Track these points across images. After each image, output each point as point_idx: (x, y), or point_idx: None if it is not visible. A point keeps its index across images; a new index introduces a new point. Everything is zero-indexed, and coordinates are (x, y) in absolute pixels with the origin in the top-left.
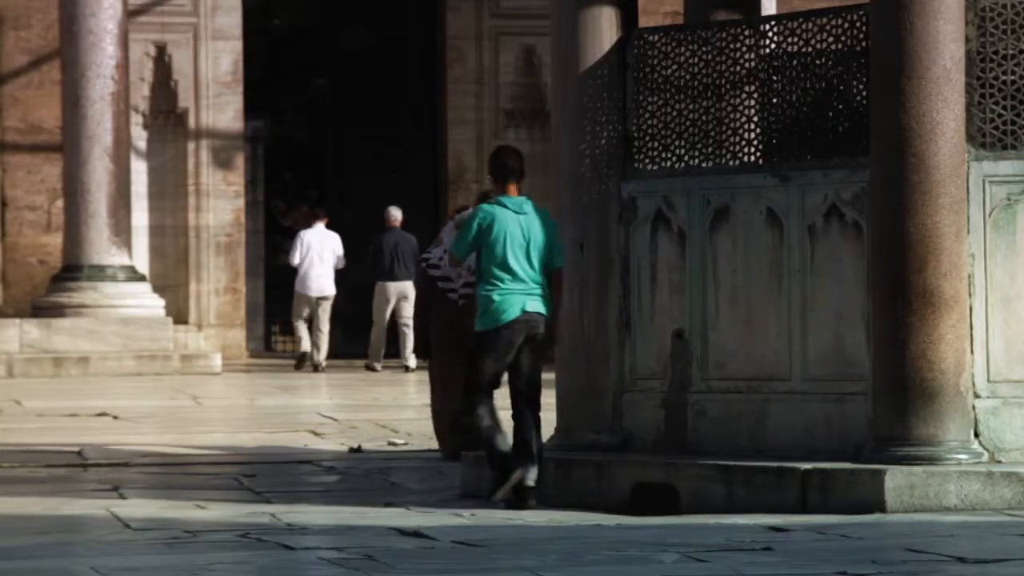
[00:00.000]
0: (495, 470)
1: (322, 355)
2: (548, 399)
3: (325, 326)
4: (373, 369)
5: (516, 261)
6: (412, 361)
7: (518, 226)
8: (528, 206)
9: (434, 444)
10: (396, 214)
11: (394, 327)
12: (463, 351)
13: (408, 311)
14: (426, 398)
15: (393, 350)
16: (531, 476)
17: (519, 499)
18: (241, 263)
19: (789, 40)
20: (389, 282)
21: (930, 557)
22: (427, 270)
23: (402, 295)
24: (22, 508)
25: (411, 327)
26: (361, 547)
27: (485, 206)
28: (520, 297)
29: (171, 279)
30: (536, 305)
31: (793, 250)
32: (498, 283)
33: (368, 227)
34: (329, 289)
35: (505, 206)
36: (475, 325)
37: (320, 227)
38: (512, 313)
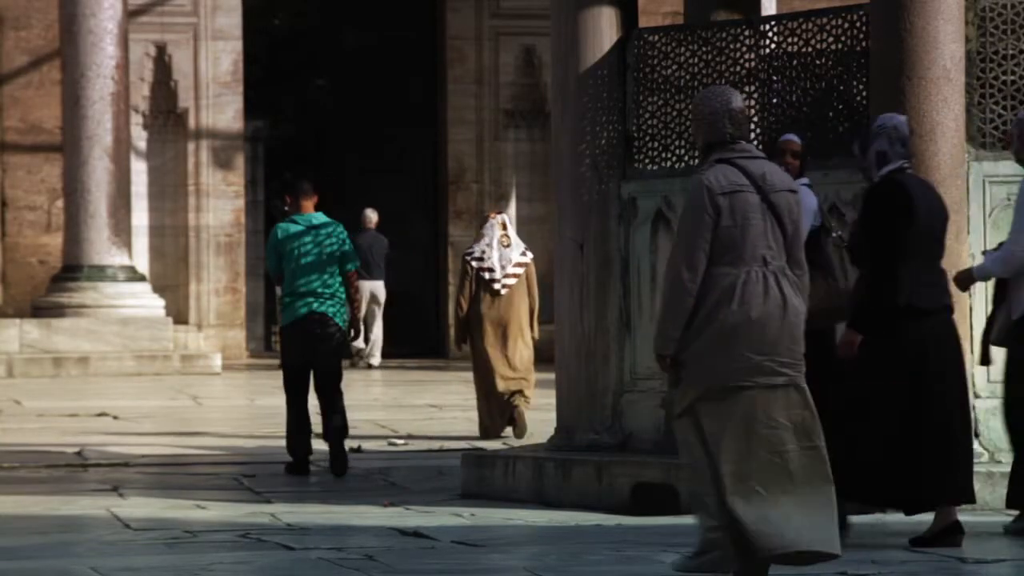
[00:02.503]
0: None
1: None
2: (548, 399)
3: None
4: (353, 365)
5: None
6: (377, 359)
7: None
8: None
9: (433, 444)
10: (372, 216)
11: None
12: (504, 336)
13: (377, 312)
14: (426, 399)
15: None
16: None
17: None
18: (241, 263)
19: (789, 40)
20: (364, 281)
21: (930, 557)
22: (471, 263)
23: (373, 294)
24: (22, 508)
25: (380, 328)
26: (361, 547)
27: None
28: None
29: (171, 279)
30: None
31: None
32: None
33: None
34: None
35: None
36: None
37: None
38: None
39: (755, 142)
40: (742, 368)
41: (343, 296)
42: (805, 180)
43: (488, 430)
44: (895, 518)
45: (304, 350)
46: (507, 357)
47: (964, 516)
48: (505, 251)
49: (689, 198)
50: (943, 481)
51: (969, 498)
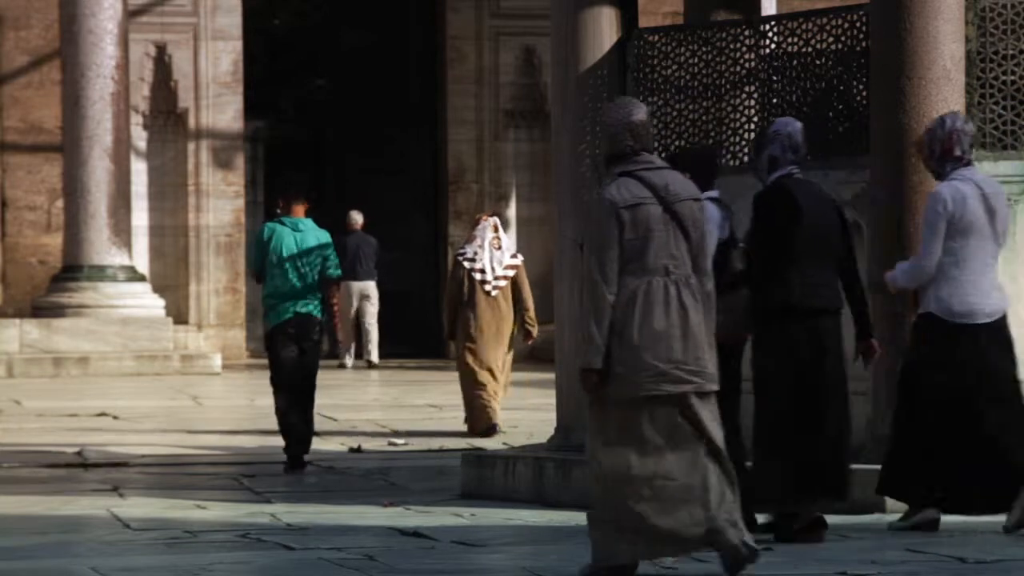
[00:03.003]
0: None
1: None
2: (548, 399)
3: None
4: (344, 366)
5: None
6: (375, 356)
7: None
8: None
9: (433, 444)
10: (357, 218)
11: (358, 325)
12: (497, 335)
13: (370, 309)
14: (426, 399)
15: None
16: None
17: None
18: (241, 263)
19: (789, 40)
20: (352, 281)
21: (930, 557)
22: (464, 263)
23: (364, 294)
24: (22, 508)
25: (375, 325)
26: (361, 547)
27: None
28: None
29: (171, 279)
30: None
31: None
32: None
33: (368, 227)
34: None
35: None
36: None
37: None
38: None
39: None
40: (648, 377)
41: (321, 298)
42: (712, 193)
43: (476, 428)
44: (893, 518)
45: (291, 350)
46: (486, 358)
47: (963, 516)
48: (496, 253)
49: (592, 213)
50: (819, 479)
51: (841, 496)
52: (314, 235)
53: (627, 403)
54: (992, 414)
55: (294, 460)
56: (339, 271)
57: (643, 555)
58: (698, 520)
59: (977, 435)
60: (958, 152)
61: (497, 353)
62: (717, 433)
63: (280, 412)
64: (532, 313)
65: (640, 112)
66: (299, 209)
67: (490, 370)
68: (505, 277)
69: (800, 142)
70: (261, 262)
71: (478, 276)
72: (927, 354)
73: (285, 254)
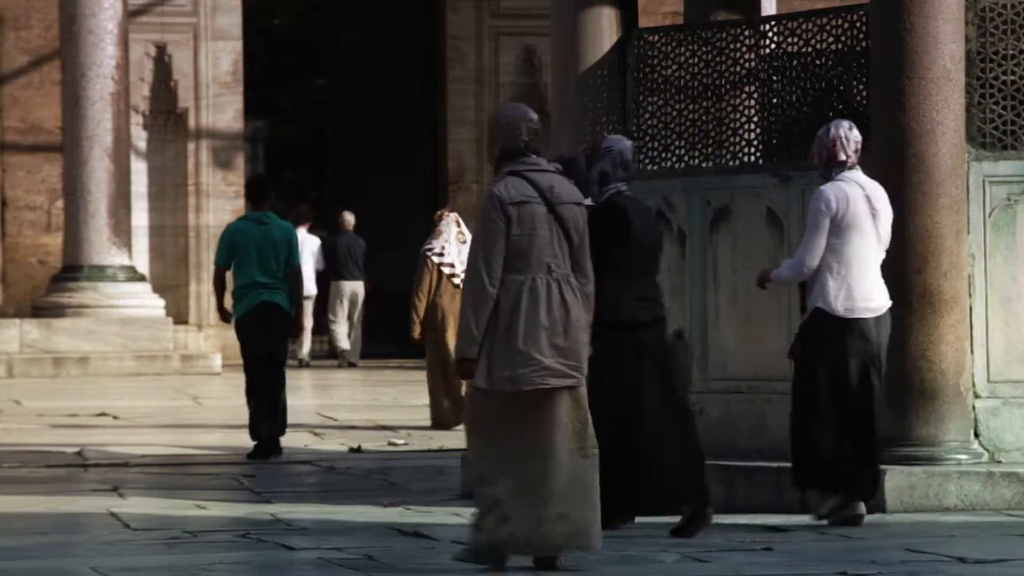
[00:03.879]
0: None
1: (305, 350)
2: None
3: (307, 323)
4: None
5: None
6: (356, 356)
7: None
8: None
9: (433, 444)
10: (349, 218)
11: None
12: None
13: (358, 310)
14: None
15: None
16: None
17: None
18: None
19: (789, 40)
20: (344, 281)
21: (930, 557)
22: (432, 258)
23: (354, 293)
24: (22, 508)
25: (359, 326)
26: (361, 547)
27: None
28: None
29: (171, 279)
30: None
31: (793, 250)
32: None
33: (367, 227)
34: (310, 289)
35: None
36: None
37: (302, 231)
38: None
39: (755, 142)
40: (532, 371)
41: (287, 287)
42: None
43: (440, 421)
44: (893, 518)
45: (260, 337)
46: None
47: (964, 516)
48: (462, 247)
49: (482, 208)
50: (654, 489)
51: (678, 499)
52: (278, 228)
53: (509, 396)
54: (878, 407)
55: (271, 444)
56: (299, 259)
57: (515, 547)
58: (559, 514)
59: (862, 425)
60: (843, 157)
61: None
62: (589, 429)
63: (250, 398)
64: None
65: (534, 113)
66: (265, 207)
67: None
68: None
69: (629, 160)
70: (226, 258)
71: (447, 270)
72: (815, 348)
73: (251, 247)
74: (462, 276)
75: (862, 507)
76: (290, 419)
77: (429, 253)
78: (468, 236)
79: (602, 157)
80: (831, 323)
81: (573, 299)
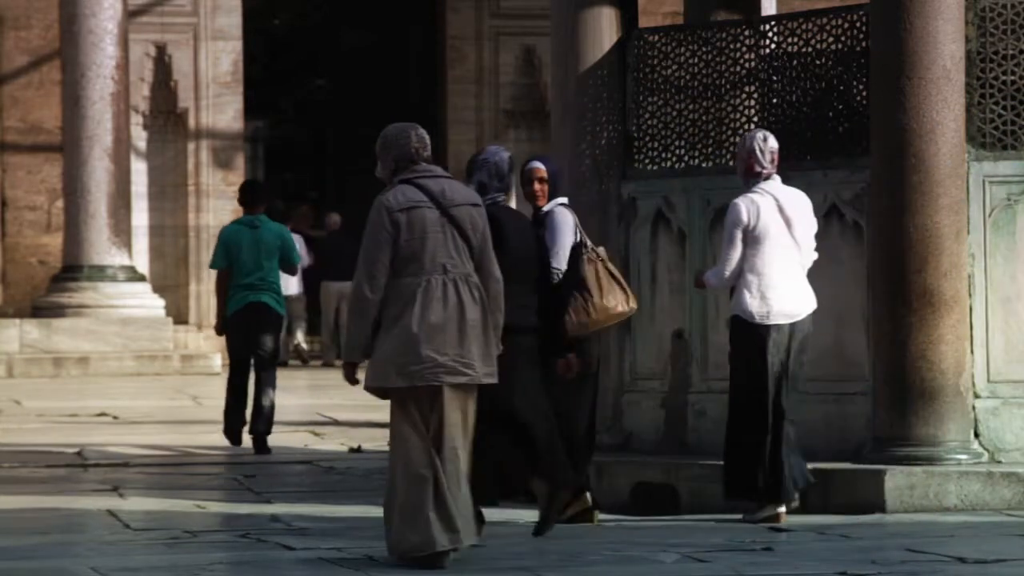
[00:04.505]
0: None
1: (299, 339)
2: None
3: (294, 324)
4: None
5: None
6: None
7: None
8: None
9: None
10: (335, 219)
11: (337, 326)
12: None
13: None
14: None
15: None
16: (261, 425)
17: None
18: None
19: (789, 40)
20: (332, 282)
21: (930, 557)
22: None
23: (342, 294)
24: (22, 508)
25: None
26: (361, 547)
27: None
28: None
29: (171, 279)
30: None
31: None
32: None
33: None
34: (292, 289)
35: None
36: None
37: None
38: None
39: None
40: (427, 368)
41: (280, 288)
42: (562, 200)
43: None
44: (893, 518)
45: (247, 337)
46: None
47: (964, 516)
48: None
49: (369, 218)
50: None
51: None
52: (269, 231)
53: (407, 393)
54: (787, 410)
55: (257, 443)
56: (299, 258)
57: (430, 545)
58: (455, 508)
59: (777, 430)
60: (758, 169)
61: None
62: (471, 427)
63: (229, 396)
64: None
65: (421, 128)
66: (258, 209)
67: None
68: None
69: (505, 170)
70: (222, 259)
71: None
72: (737, 353)
73: (243, 250)
74: None
75: (783, 506)
76: (290, 419)
77: None
78: None
79: (479, 168)
80: (748, 330)
81: (470, 299)
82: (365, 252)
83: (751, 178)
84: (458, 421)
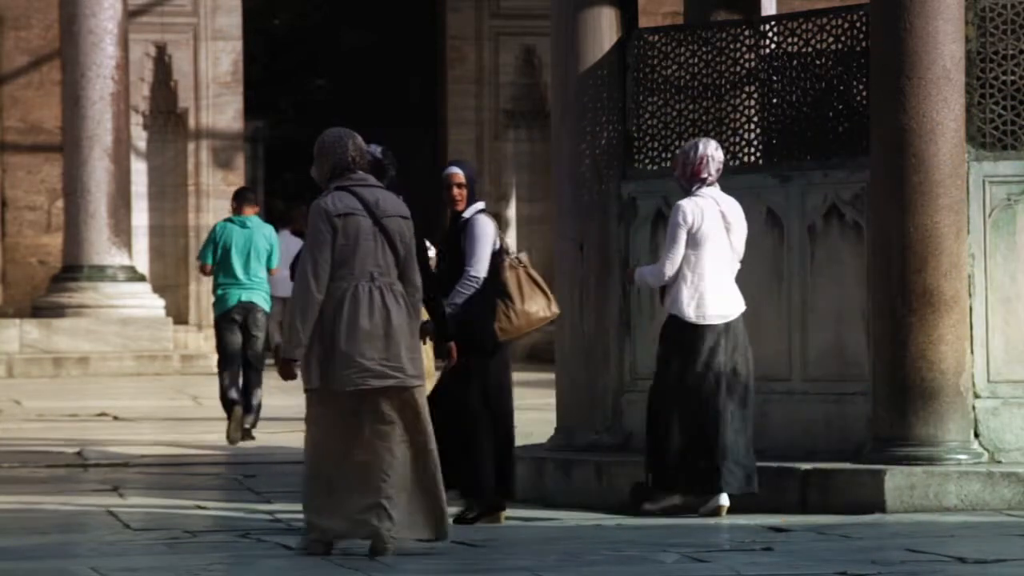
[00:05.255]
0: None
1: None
2: (548, 399)
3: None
4: None
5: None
6: None
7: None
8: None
9: None
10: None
11: None
12: None
13: None
14: None
15: None
16: (249, 420)
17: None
18: None
19: (789, 40)
20: None
21: (930, 557)
22: None
23: None
24: (22, 508)
25: None
26: (361, 547)
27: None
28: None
29: (171, 279)
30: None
31: (793, 250)
32: None
33: None
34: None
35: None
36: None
37: (285, 233)
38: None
39: (755, 142)
40: (355, 372)
41: (268, 288)
42: (480, 205)
43: None
44: (893, 518)
45: (237, 335)
46: None
47: (964, 516)
48: None
49: (310, 220)
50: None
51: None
52: (260, 231)
53: (335, 395)
54: (723, 407)
55: (243, 434)
56: (276, 263)
57: (341, 534)
58: (379, 505)
59: (705, 425)
60: (704, 175)
61: None
62: (417, 428)
63: (223, 393)
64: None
65: (359, 136)
66: (249, 210)
67: None
68: None
69: (386, 165)
70: (209, 256)
71: None
72: (670, 351)
73: (233, 249)
74: None
75: (723, 499)
76: (290, 418)
77: None
78: None
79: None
80: (684, 328)
81: (395, 305)
82: (309, 252)
83: (695, 183)
84: (390, 421)
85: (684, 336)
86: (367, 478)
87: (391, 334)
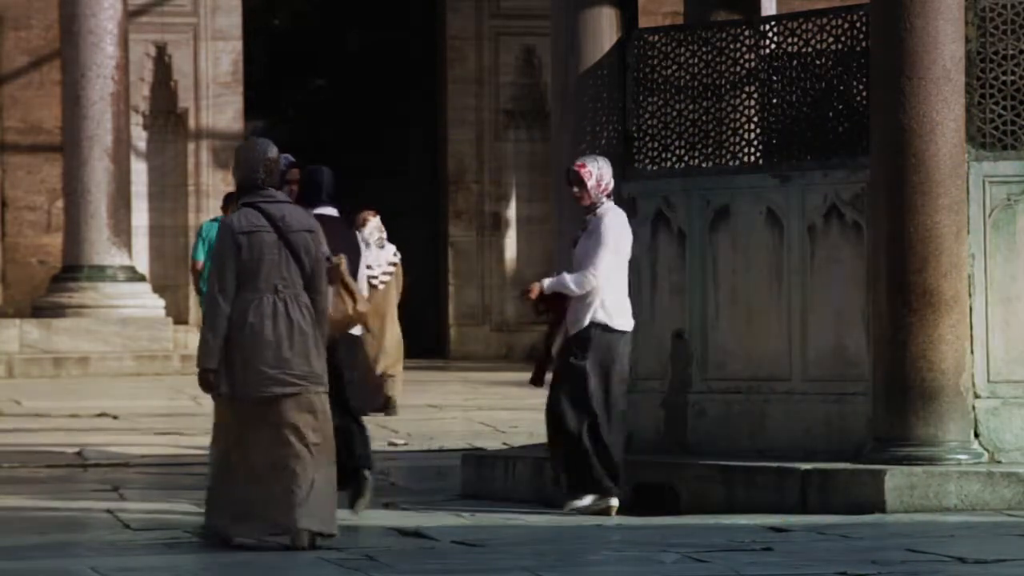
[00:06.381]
0: None
1: None
2: None
3: None
4: None
5: None
6: None
7: None
8: None
9: (434, 444)
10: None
11: None
12: (383, 321)
13: None
14: (426, 399)
15: None
16: None
17: None
18: None
19: (789, 40)
20: None
21: (930, 557)
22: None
23: None
24: (22, 508)
25: None
26: (361, 547)
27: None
28: None
29: (171, 279)
30: None
31: (793, 250)
32: None
33: None
34: None
35: None
36: None
37: None
38: None
39: (755, 142)
40: (258, 380)
41: None
42: (329, 210)
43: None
44: (893, 518)
45: None
46: (382, 342)
47: (964, 516)
48: (380, 252)
49: (217, 236)
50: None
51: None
52: None
53: (240, 402)
54: (624, 412)
55: None
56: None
57: (243, 534)
58: (283, 509)
59: (614, 430)
60: (610, 191)
61: (384, 336)
62: (319, 432)
63: None
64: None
65: (272, 151)
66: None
67: (376, 353)
68: (389, 273)
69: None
70: (202, 253)
71: (367, 271)
72: (595, 358)
73: None
74: (381, 277)
75: (615, 499)
76: None
77: None
78: (386, 241)
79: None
80: (609, 337)
81: (300, 316)
82: (216, 267)
83: (607, 198)
84: (294, 427)
85: (610, 344)
86: (272, 480)
87: (294, 344)
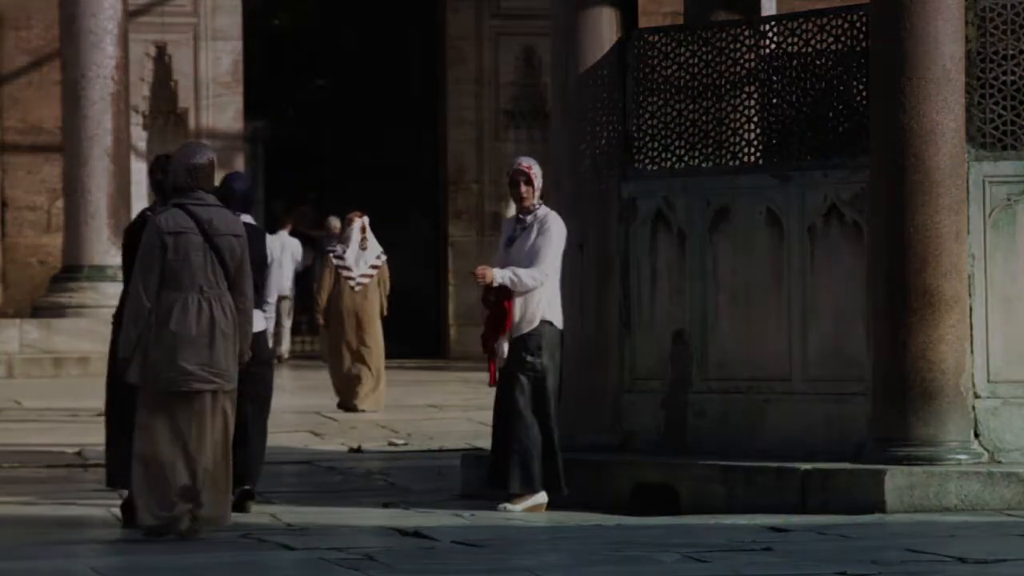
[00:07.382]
0: None
1: (283, 348)
2: None
3: (286, 321)
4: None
5: None
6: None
7: None
8: None
9: (434, 444)
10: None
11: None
12: (357, 324)
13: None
14: (426, 399)
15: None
16: None
17: None
18: None
19: (789, 40)
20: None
21: (930, 557)
22: (333, 260)
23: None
24: (22, 508)
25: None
26: (361, 547)
27: None
28: None
29: None
30: None
31: (793, 250)
32: None
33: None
34: (285, 290)
35: None
36: None
37: (283, 233)
38: None
39: (755, 142)
40: (180, 376)
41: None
42: (248, 218)
43: (343, 402)
44: (893, 518)
45: None
46: (360, 341)
47: (964, 516)
48: (362, 253)
49: (144, 234)
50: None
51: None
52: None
53: (162, 396)
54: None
55: None
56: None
57: (168, 524)
58: (179, 492)
59: (557, 426)
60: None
61: (362, 338)
62: (226, 427)
63: None
64: (385, 304)
65: (203, 156)
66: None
67: (354, 353)
68: (370, 275)
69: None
70: None
71: (344, 272)
72: (550, 357)
73: None
74: (358, 279)
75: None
76: (290, 418)
77: (331, 255)
78: (371, 243)
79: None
80: (556, 335)
81: (222, 316)
82: (141, 264)
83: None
84: (209, 421)
85: (557, 340)
86: (182, 468)
87: (215, 343)
